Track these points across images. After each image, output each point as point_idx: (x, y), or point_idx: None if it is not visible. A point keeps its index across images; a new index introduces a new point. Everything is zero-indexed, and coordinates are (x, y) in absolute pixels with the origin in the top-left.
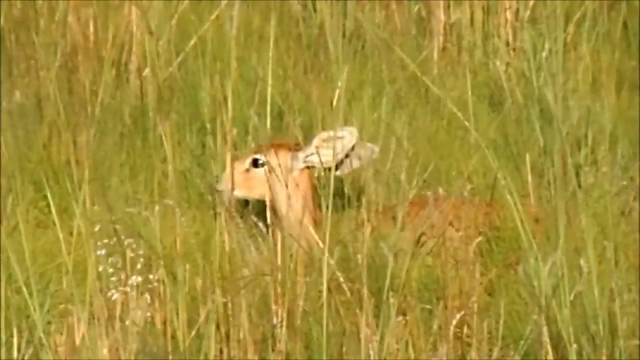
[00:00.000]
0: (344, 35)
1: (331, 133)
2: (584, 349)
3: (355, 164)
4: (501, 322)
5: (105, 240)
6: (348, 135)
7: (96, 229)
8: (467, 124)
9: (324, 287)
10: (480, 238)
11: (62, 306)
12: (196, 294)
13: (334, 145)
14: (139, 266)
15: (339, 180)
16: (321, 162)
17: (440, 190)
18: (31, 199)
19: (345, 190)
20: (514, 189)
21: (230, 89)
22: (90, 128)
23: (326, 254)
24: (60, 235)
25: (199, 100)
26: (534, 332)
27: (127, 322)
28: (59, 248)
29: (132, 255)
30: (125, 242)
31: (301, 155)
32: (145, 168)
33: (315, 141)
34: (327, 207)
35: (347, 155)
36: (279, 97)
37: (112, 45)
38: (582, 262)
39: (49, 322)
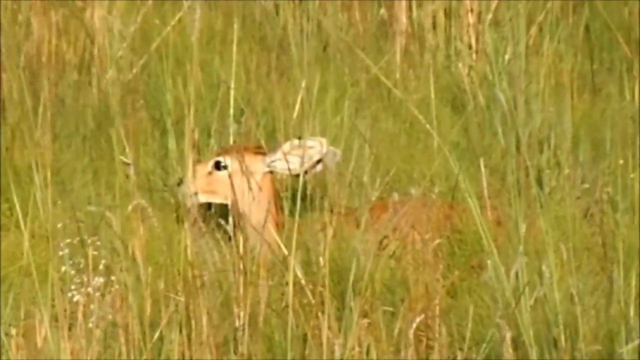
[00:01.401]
0: (307, 38)
1: (301, 142)
2: (545, 353)
3: (319, 167)
4: (464, 324)
5: (68, 241)
6: (318, 146)
7: (59, 225)
8: (428, 127)
9: (290, 290)
10: (439, 240)
11: (24, 308)
12: (158, 296)
13: (303, 154)
14: (101, 267)
15: (302, 183)
16: (289, 169)
17: (396, 196)
18: None
19: (308, 193)
20: (474, 192)
21: (193, 92)
22: (53, 130)
23: (292, 258)
24: (25, 237)
25: (162, 102)
26: (496, 335)
27: (89, 324)
28: (21, 250)
29: (95, 253)
30: (89, 241)
31: (267, 159)
32: (107, 171)
33: (284, 148)
34: (296, 210)
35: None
36: (242, 99)
37: (75, 48)
38: (543, 265)
39: (10, 324)
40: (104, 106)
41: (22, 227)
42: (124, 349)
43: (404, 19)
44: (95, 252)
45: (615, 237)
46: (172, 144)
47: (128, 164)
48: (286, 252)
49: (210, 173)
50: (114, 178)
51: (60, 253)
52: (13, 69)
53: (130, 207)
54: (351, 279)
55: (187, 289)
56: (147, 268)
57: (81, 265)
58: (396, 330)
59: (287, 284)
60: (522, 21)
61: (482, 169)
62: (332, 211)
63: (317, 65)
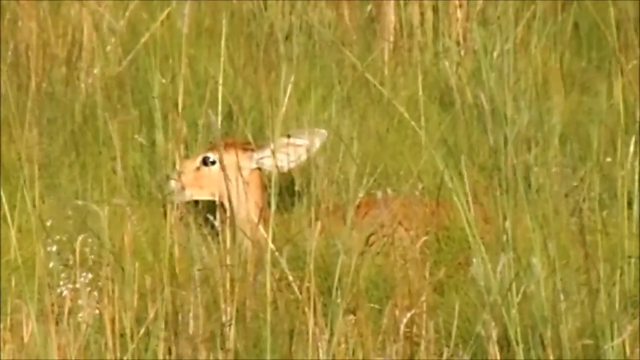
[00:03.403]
0: (294, 34)
1: (291, 140)
2: (531, 350)
3: (304, 156)
4: (450, 321)
5: (57, 237)
6: (314, 139)
7: (48, 223)
8: (414, 124)
9: (268, 286)
10: (427, 237)
11: (11, 302)
12: (145, 291)
13: (295, 151)
14: (89, 263)
15: (289, 179)
16: (277, 167)
17: (389, 191)
18: None
19: (296, 189)
20: (461, 190)
21: (181, 88)
22: (41, 125)
23: (271, 253)
24: (12, 232)
25: (150, 98)
26: (482, 332)
27: (76, 319)
28: (8, 245)
29: (84, 249)
30: (76, 237)
31: (255, 156)
32: (95, 166)
33: (274, 145)
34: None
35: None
36: (230, 96)
37: (63, 43)
38: (530, 263)
39: None
40: (91, 101)
41: (9, 221)
42: (110, 344)
43: (392, 15)
44: (84, 248)
45: (601, 234)
46: (159, 139)
47: (108, 167)
48: (273, 248)
49: (198, 169)
50: (101, 173)
51: (48, 249)
52: (0, 64)
53: (115, 202)
54: (337, 275)
55: (174, 284)
56: (134, 263)
57: (70, 262)
58: (382, 327)
59: (274, 280)
60: (510, 18)
61: (463, 166)
62: (319, 207)
63: (304, 61)
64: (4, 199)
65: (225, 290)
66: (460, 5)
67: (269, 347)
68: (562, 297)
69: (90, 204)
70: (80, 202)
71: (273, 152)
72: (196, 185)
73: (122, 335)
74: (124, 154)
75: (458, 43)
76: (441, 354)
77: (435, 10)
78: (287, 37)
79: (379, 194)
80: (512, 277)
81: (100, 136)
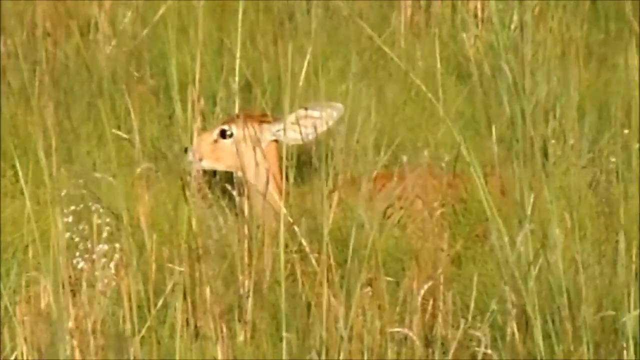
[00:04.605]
0: (312, 6)
1: (308, 112)
2: (549, 322)
3: (321, 128)
4: (468, 293)
5: (73, 207)
6: (331, 113)
7: (63, 192)
8: (431, 96)
9: (283, 258)
10: (443, 209)
11: (28, 275)
12: (163, 263)
13: (309, 124)
14: (105, 235)
15: (306, 151)
16: (294, 139)
17: (405, 159)
18: None
19: (313, 161)
20: (478, 162)
21: (198, 60)
22: (57, 97)
23: (288, 225)
24: (28, 204)
25: (167, 70)
26: (500, 304)
27: (93, 291)
28: (25, 217)
29: (100, 221)
30: (93, 208)
31: (273, 128)
32: (112, 138)
33: (292, 117)
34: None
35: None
36: (247, 68)
37: (80, 14)
38: (548, 234)
39: (14, 291)
40: (108, 73)
41: (26, 193)
42: (127, 316)
43: None
44: (100, 220)
45: (619, 206)
46: (177, 111)
47: (126, 139)
48: (291, 220)
49: (215, 141)
50: (118, 145)
51: (65, 220)
52: (16, 34)
53: (138, 171)
54: (351, 247)
55: (192, 256)
56: (151, 235)
57: (85, 232)
58: (400, 299)
59: (291, 252)
60: None
61: (494, 137)
62: (336, 179)
63: (322, 34)
64: (20, 171)
65: (242, 263)
66: None
67: (286, 319)
68: (580, 268)
69: (107, 176)
70: (98, 175)
71: (290, 125)
72: (213, 157)
73: (140, 307)
74: (141, 126)
75: (475, 15)
76: (459, 326)
77: None
78: (307, 10)
79: (404, 159)
80: (530, 249)
81: (118, 108)
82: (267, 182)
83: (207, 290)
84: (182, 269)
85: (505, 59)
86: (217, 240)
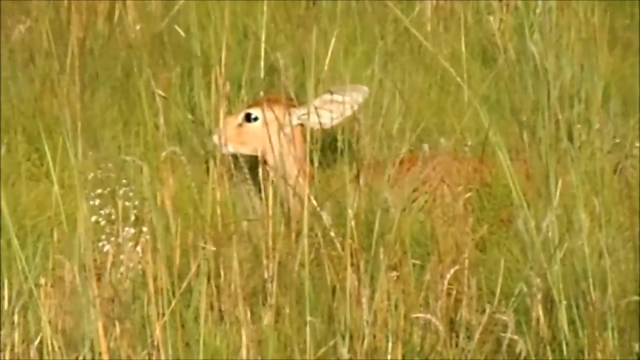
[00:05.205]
0: None
1: (334, 96)
2: (574, 307)
3: (346, 112)
4: (493, 278)
5: (99, 191)
6: (356, 96)
7: (89, 176)
8: (459, 79)
9: (306, 242)
10: (469, 194)
11: (54, 258)
12: (187, 246)
13: (340, 108)
14: (132, 218)
15: (331, 135)
16: (319, 123)
17: (426, 148)
18: (24, 152)
19: (338, 145)
20: (504, 146)
21: (224, 44)
22: (83, 81)
23: (313, 209)
24: (55, 187)
25: (192, 54)
26: (525, 289)
27: (118, 274)
28: (51, 201)
29: (126, 204)
30: (119, 192)
31: (297, 112)
32: (137, 122)
33: (317, 102)
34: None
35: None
36: (272, 52)
37: None
38: (573, 219)
39: (39, 274)
40: (133, 57)
41: (52, 177)
42: (152, 299)
43: None
44: (126, 203)
45: None
46: (202, 96)
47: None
48: (316, 205)
49: (240, 125)
50: (144, 129)
51: (91, 203)
52: (43, 19)
53: (163, 154)
54: (376, 230)
55: (217, 239)
56: (176, 218)
57: (112, 216)
58: (425, 284)
59: (316, 236)
60: None
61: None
62: (361, 164)
63: (347, 17)
64: (47, 154)
65: (267, 246)
66: None
67: (311, 304)
68: (605, 253)
69: (134, 159)
70: (126, 158)
71: (315, 109)
72: (238, 141)
73: (164, 290)
74: (166, 110)
75: None
76: (484, 311)
77: None
78: None
79: (426, 147)
80: (556, 234)
81: (143, 92)
82: (292, 166)
83: (232, 274)
84: (207, 251)
85: (531, 41)
86: (243, 222)
